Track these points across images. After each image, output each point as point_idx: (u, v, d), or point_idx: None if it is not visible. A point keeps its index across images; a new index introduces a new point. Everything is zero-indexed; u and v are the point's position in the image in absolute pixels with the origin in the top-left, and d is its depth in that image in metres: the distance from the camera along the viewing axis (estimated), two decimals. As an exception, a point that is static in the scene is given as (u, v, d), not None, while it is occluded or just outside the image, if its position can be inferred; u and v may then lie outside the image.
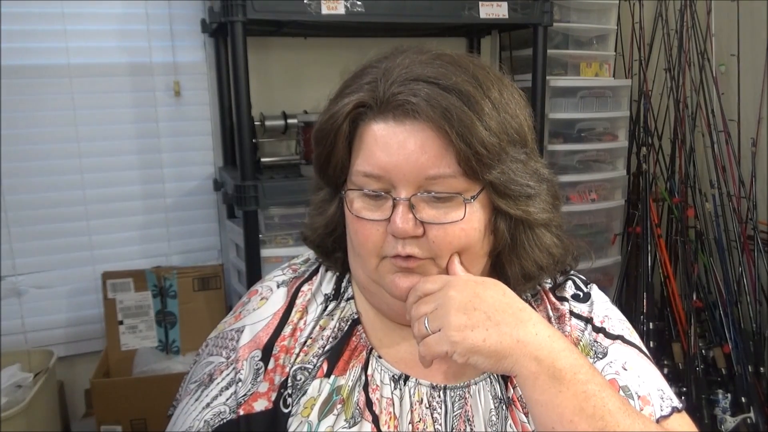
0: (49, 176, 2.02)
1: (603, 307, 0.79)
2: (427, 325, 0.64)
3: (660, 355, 2.21)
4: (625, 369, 0.72)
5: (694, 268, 2.23)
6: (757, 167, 2.14)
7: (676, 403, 0.71)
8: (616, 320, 0.78)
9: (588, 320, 0.76)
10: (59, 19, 1.97)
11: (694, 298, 2.20)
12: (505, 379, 0.72)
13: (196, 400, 0.71)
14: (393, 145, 0.64)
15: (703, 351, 2.17)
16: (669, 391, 0.72)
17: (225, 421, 0.69)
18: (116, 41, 2.04)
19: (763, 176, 2.15)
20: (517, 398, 0.71)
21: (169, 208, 2.16)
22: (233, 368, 0.72)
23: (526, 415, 0.70)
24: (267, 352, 0.72)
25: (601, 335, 0.75)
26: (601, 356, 0.73)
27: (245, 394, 0.70)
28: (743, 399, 2.04)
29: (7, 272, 2.00)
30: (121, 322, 2.01)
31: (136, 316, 2.02)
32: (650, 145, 2.35)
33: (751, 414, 2.01)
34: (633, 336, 0.77)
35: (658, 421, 0.69)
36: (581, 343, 0.74)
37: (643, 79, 2.34)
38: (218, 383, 0.72)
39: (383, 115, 0.65)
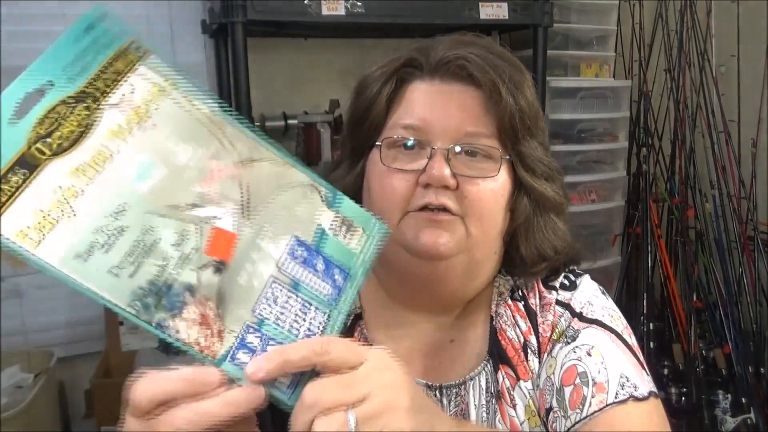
0: (49, 177, 2.02)
1: (587, 295, 0.75)
2: (353, 423, 0.44)
3: (660, 355, 2.21)
4: (590, 354, 0.68)
5: (694, 269, 2.23)
6: (757, 168, 2.15)
7: (641, 392, 0.65)
8: (598, 307, 0.74)
9: (567, 306, 0.74)
10: (60, 20, 1.97)
11: (694, 298, 2.20)
12: (496, 369, 0.71)
13: None
14: (436, 102, 0.67)
15: (704, 351, 2.17)
16: (637, 379, 0.66)
17: None
18: (116, 42, 2.05)
19: (763, 177, 2.15)
20: (506, 390, 0.70)
21: (170, 209, 2.17)
22: None
23: (514, 407, 0.69)
24: None
25: (576, 319, 0.72)
26: (570, 341, 0.70)
27: None
28: (743, 400, 2.04)
29: (7, 273, 2.00)
30: (121, 323, 2.02)
31: (136, 316, 2.03)
32: (650, 146, 2.35)
33: (752, 415, 2.02)
34: (615, 322, 0.72)
35: (606, 407, 0.64)
36: (557, 330, 0.72)
37: (643, 80, 2.34)
38: None
39: (430, 76, 0.69)
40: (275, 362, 0.45)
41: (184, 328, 0.44)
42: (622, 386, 0.65)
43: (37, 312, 2.05)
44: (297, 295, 0.49)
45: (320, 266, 0.50)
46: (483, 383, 0.71)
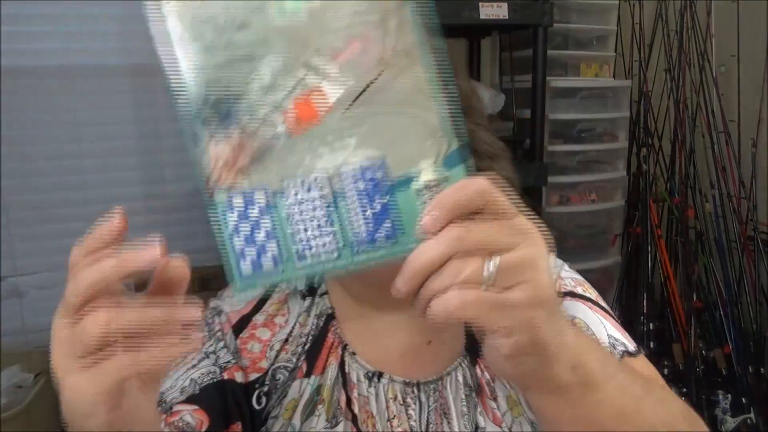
0: (50, 177, 2.02)
1: (556, 271, 0.76)
2: (493, 268, 0.41)
3: (660, 355, 2.21)
4: (573, 324, 0.68)
5: (694, 269, 2.23)
6: (757, 168, 2.15)
7: (631, 348, 0.68)
8: (569, 279, 0.75)
9: None
10: (60, 20, 1.97)
11: (694, 298, 2.20)
12: (474, 363, 0.71)
13: (177, 364, 0.70)
14: None
15: (704, 351, 2.17)
16: (622, 338, 0.68)
17: (215, 380, 0.68)
18: (117, 42, 2.05)
19: (763, 177, 2.15)
20: (485, 383, 0.70)
21: (170, 209, 2.16)
22: (217, 338, 0.72)
23: (495, 399, 0.69)
24: (236, 333, 0.73)
25: None
26: None
27: (229, 361, 0.70)
28: (743, 400, 2.04)
29: (8, 273, 2.00)
30: (121, 323, 2.02)
31: (136, 316, 2.03)
32: (650, 146, 2.35)
33: (752, 415, 2.02)
34: (587, 291, 0.73)
35: None
36: None
37: (643, 80, 2.34)
38: (203, 349, 0.71)
39: None
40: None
41: (214, 145, 0.42)
42: (614, 346, 0.67)
43: (37, 312, 2.04)
44: (327, 206, 0.42)
45: (376, 206, 0.42)
46: (460, 378, 0.71)
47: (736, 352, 2.09)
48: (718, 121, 2.20)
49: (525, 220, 0.43)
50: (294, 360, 0.71)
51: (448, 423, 0.69)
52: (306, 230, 0.42)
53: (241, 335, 0.72)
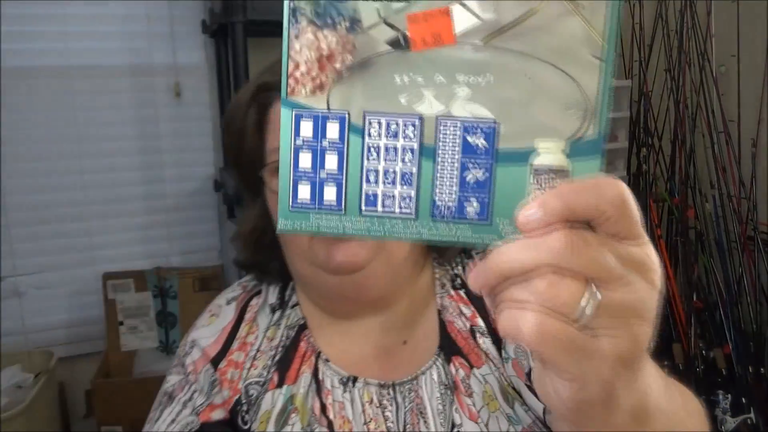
0: (49, 177, 2.02)
1: None
2: (591, 302, 0.32)
3: (660, 355, 2.21)
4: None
5: (694, 269, 2.23)
6: (757, 168, 2.14)
7: None
8: None
9: None
10: (60, 21, 1.97)
11: (695, 298, 2.20)
12: (448, 361, 0.71)
13: (157, 419, 0.70)
14: None
15: (704, 352, 2.17)
16: None
17: (193, 431, 0.68)
18: (117, 42, 2.05)
19: (763, 177, 2.15)
20: (460, 380, 0.70)
21: (170, 209, 2.16)
22: (190, 382, 0.72)
23: (470, 396, 0.69)
24: (215, 365, 0.72)
25: None
26: None
27: (202, 404, 0.70)
28: (743, 400, 2.04)
29: (7, 273, 2.00)
30: (121, 323, 2.02)
31: (136, 316, 2.03)
32: (650, 146, 2.35)
33: (752, 415, 2.01)
34: None
35: None
36: None
37: (643, 80, 2.34)
38: (180, 399, 0.71)
39: None
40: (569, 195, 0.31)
41: (297, 46, 0.34)
42: None
43: (37, 312, 2.05)
44: (410, 161, 0.34)
45: (471, 176, 0.34)
46: (435, 376, 0.71)
47: (736, 352, 2.09)
48: (718, 121, 2.20)
49: (650, 250, 0.34)
50: (265, 374, 0.71)
51: (425, 422, 0.68)
52: (379, 179, 0.34)
53: (219, 366, 0.72)
